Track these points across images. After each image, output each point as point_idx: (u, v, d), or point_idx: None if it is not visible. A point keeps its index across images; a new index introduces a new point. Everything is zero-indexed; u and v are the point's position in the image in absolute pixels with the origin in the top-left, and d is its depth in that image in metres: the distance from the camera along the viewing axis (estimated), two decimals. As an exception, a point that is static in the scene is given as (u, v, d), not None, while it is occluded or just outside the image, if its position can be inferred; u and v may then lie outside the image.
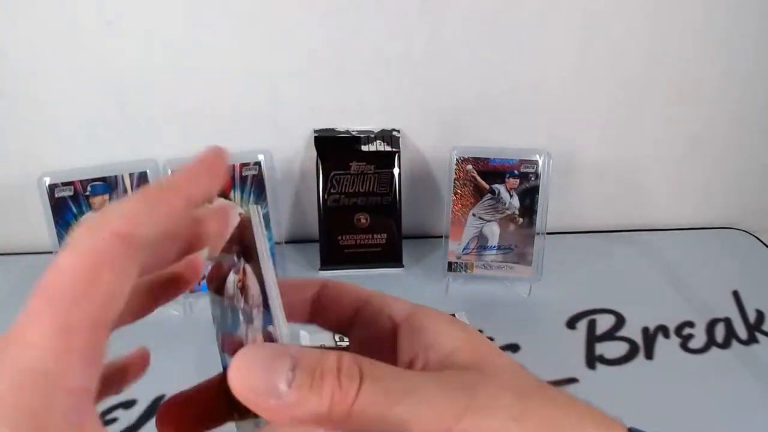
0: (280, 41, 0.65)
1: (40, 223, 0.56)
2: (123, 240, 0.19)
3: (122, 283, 0.18)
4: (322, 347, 0.23)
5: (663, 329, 0.60)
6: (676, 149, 0.76)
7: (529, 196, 0.64)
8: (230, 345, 0.26)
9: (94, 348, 0.18)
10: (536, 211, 0.65)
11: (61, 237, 0.57)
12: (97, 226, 0.19)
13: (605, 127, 0.73)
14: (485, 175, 0.64)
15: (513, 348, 0.59)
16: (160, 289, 0.27)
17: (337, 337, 0.51)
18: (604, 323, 0.61)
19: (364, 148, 0.68)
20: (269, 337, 0.22)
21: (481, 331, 0.60)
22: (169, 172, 0.60)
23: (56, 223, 0.57)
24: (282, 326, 0.21)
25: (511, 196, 0.65)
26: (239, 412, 0.24)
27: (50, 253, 0.58)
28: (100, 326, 0.18)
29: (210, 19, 0.63)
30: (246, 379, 0.19)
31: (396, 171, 0.68)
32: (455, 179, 0.64)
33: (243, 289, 0.25)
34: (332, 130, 0.69)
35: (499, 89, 0.69)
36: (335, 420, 0.20)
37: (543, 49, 0.67)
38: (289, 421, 0.20)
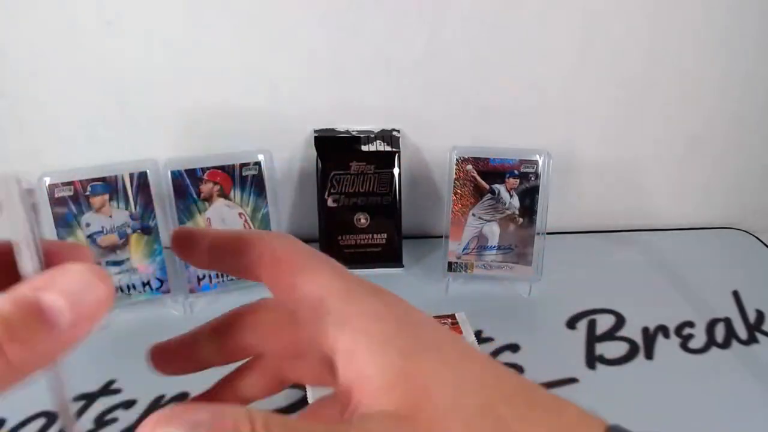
0: (280, 41, 0.65)
1: (40, 223, 0.56)
2: None
3: None
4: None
5: (663, 329, 0.60)
6: (676, 149, 0.76)
7: (529, 196, 0.64)
8: None
9: None
10: (536, 211, 0.65)
11: (61, 237, 0.57)
12: None
13: (605, 127, 0.73)
14: (485, 175, 0.65)
15: (513, 348, 0.59)
16: None
17: None
18: (604, 323, 0.61)
19: (364, 148, 0.68)
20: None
21: (480, 331, 0.60)
22: (169, 172, 0.60)
23: (56, 223, 0.57)
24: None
25: (511, 196, 0.65)
26: None
27: (50, 253, 0.58)
28: None
29: (210, 19, 0.63)
30: None
31: (396, 171, 0.68)
32: (455, 179, 0.64)
33: None
34: (332, 130, 0.69)
35: (499, 89, 0.69)
36: None
37: (543, 49, 0.67)
38: None
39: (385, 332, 0.21)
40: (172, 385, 0.52)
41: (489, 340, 0.59)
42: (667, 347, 0.59)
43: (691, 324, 0.61)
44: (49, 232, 0.57)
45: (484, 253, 0.66)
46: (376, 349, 0.21)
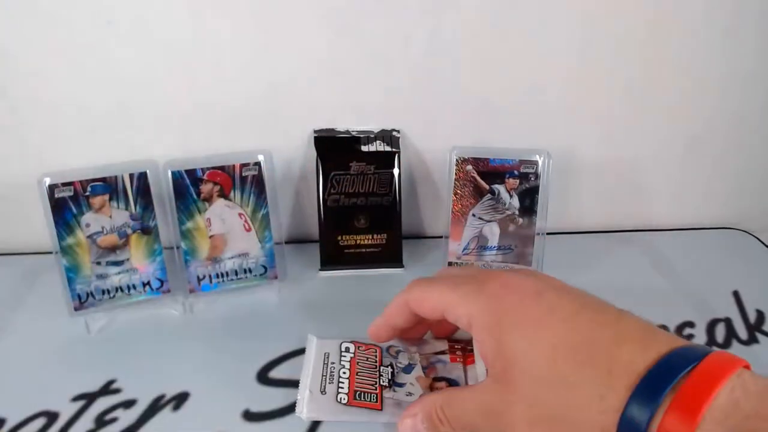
0: (280, 41, 0.65)
1: (40, 223, 0.56)
2: None
3: None
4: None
5: (663, 329, 0.60)
6: (676, 149, 0.76)
7: (529, 197, 0.64)
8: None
9: None
10: (536, 212, 0.65)
11: (61, 237, 0.57)
12: None
13: (605, 127, 0.73)
14: (485, 176, 0.65)
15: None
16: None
17: (343, 347, 0.50)
18: (604, 323, 0.61)
19: (364, 148, 0.68)
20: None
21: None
22: (169, 172, 0.60)
23: (56, 223, 0.57)
24: None
25: (511, 196, 0.65)
26: None
27: (50, 253, 0.58)
28: None
29: (210, 19, 0.63)
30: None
31: (396, 171, 0.68)
32: (455, 179, 0.65)
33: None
34: (332, 130, 0.69)
35: (499, 89, 0.69)
36: None
37: (543, 49, 0.67)
38: None
39: (490, 327, 0.36)
40: (172, 385, 0.53)
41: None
42: (667, 347, 0.59)
43: (691, 324, 0.61)
44: (50, 232, 0.57)
45: (484, 253, 0.66)
46: (488, 337, 0.37)
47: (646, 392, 0.29)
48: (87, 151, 0.67)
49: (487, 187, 0.65)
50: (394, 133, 0.69)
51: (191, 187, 0.61)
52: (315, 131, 0.69)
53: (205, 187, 0.61)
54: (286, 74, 0.67)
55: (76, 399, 0.51)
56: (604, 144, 0.74)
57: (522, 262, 0.65)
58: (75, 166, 0.58)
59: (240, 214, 0.63)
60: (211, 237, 0.62)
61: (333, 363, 0.47)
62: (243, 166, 0.62)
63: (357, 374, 0.45)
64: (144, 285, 0.61)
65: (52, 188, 0.56)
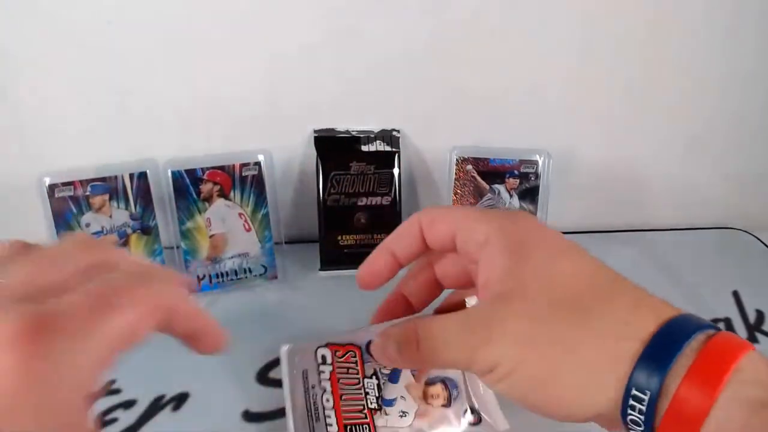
0: (280, 41, 0.65)
1: (40, 223, 0.56)
2: None
3: None
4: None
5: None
6: (676, 149, 0.76)
7: (529, 196, 0.64)
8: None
9: None
10: (536, 212, 0.65)
11: (61, 237, 0.57)
12: None
13: (605, 127, 0.73)
14: (485, 175, 0.65)
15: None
16: None
17: (319, 357, 0.43)
18: (604, 323, 0.61)
19: (364, 148, 0.68)
20: None
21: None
22: (169, 172, 0.60)
23: (56, 223, 0.57)
24: None
25: (511, 196, 0.65)
26: None
27: (50, 253, 0.58)
28: None
29: (210, 19, 0.63)
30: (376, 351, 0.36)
31: (396, 171, 0.68)
32: (455, 179, 0.65)
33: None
34: (332, 130, 0.69)
35: (499, 89, 0.69)
36: (413, 364, 0.36)
37: (543, 49, 0.67)
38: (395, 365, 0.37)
39: (508, 245, 0.31)
40: (172, 385, 0.53)
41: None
42: (667, 347, 0.59)
43: (691, 324, 0.61)
44: (49, 232, 0.57)
45: (484, 253, 0.66)
46: (490, 258, 0.31)
47: (667, 343, 0.27)
48: (87, 151, 0.67)
49: (487, 186, 0.65)
50: (394, 133, 0.69)
51: (191, 187, 0.61)
52: (315, 131, 0.69)
53: (205, 187, 0.61)
54: (286, 74, 0.67)
55: (76, 399, 0.51)
56: (604, 144, 0.74)
57: (522, 262, 0.65)
58: (75, 166, 0.58)
59: (240, 214, 0.63)
60: (211, 237, 0.62)
61: (314, 386, 0.40)
62: (243, 166, 0.62)
63: (342, 398, 0.39)
64: (144, 285, 0.61)
65: (52, 188, 0.56)
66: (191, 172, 0.60)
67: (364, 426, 0.38)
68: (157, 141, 0.69)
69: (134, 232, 0.60)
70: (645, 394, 0.26)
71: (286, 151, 0.70)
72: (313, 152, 0.67)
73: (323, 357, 0.40)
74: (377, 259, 0.40)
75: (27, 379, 0.20)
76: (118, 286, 0.24)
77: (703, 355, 0.26)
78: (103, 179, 0.58)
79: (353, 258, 0.69)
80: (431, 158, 0.73)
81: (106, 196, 0.58)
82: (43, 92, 0.65)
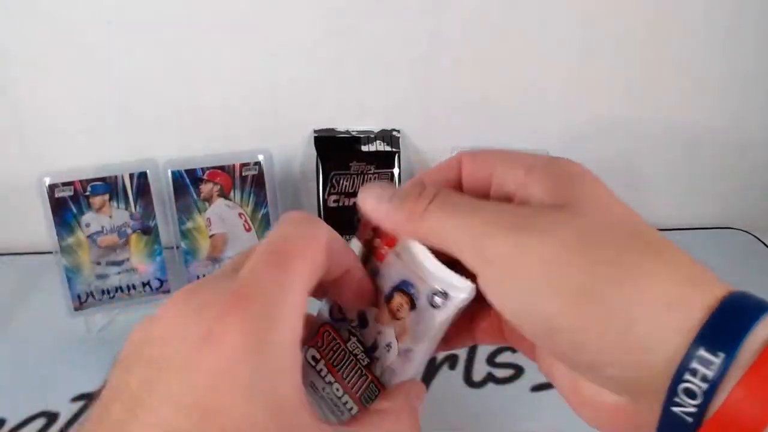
0: (280, 41, 0.65)
1: (40, 223, 0.56)
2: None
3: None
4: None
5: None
6: (676, 149, 0.76)
7: (529, 196, 0.64)
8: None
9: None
10: (536, 211, 0.65)
11: (61, 237, 0.57)
12: None
13: (605, 127, 0.73)
14: (485, 175, 0.65)
15: (513, 348, 0.58)
16: None
17: (310, 359, 0.38)
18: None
19: (364, 148, 0.68)
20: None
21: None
22: (169, 172, 0.60)
23: (56, 223, 0.57)
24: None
25: (511, 196, 0.65)
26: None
27: (50, 253, 0.58)
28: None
29: (210, 19, 0.63)
30: (366, 202, 0.30)
31: (396, 171, 0.68)
32: (455, 179, 0.65)
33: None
34: (332, 130, 0.69)
35: (499, 89, 0.69)
36: (413, 224, 0.27)
37: (543, 49, 0.67)
38: (391, 227, 0.29)
39: (555, 172, 0.27)
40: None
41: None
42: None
43: (691, 324, 0.61)
44: (49, 232, 0.57)
45: (484, 253, 0.66)
46: (547, 179, 0.26)
47: (730, 321, 0.21)
48: (87, 151, 0.67)
49: (487, 187, 0.65)
50: (394, 133, 0.69)
51: (191, 187, 0.61)
52: (315, 131, 0.69)
53: (205, 187, 0.61)
54: (286, 74, 0.67)
55: (76, 399, 0.51)
56: (604, 144, 0.74)
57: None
58: (75, 166, 0.58)
59: (240, 214, 0.63)
60: (211, 237, 0.62)
61: (324, 389, 0.37)
62: (243, 166, 0.62)
63: (344, 378, 0.37)
64: (144, 285, 0.61)
65: (52, 188, 0.56)
66: (191, 172, 0.60)
67: (371, 386, 0.36)
68: (157, 141, 0.69)
69: (134, 232, 0.60)
70: (705, 380, 0.20)
71: (286, 151, 0.70)
72: (313, 152, 0.67)
73: (314, 358, 0.37)
74: (406, 187, 0.31)
75: (247, 345, 0.21)
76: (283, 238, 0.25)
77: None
78: (103, 179, 0.58)
79: (353, 258, 0.69)
80: (431, 158, 0.73)
81: (106, 196, 0.58)
82: (43, 92, 0.65)
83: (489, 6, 0.64)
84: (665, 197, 0.79)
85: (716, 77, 0.71)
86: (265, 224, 0.64)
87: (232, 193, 0.62)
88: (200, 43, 0.64)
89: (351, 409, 0.35)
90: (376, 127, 0.70)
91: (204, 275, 0.62)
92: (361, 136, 0.69)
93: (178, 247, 0.62)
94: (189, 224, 0.61)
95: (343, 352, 0.36)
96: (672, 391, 0.21)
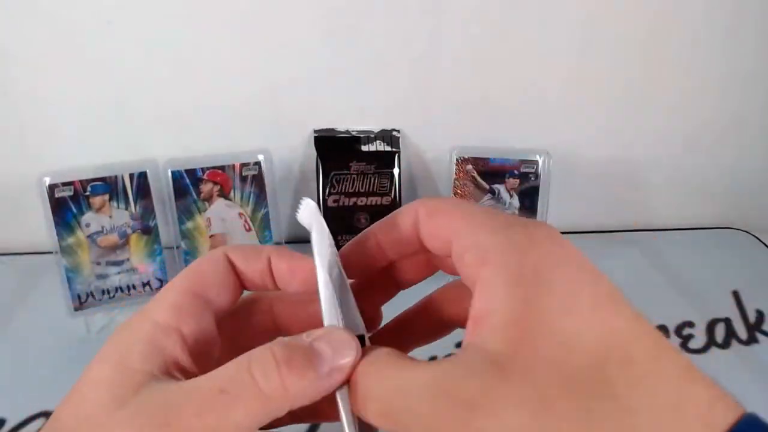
0: (280, 41, 0.65)
1: (40, 223, 0.56)
2: None
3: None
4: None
5: (663, 329, 0.60)
6: (675, 149, 0.76)
7: (529, 196, 0.64)
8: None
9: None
10: (536, 212, 0.65)
11: (61, 237, 0.57)
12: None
13: (605, 127, 0.73)
14: (485, 175, 0.65)
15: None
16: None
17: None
18: (604, 323, 0.61)
19: (364, 148, 0.68)
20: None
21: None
22: (169, 172, 0.60)
23: (56, 223, 0.57)
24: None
25: (511, 196, 0.65)
26: None
27: (50, 253, 0.58)
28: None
29: (210, 19, 0.63)
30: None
31: (396, 171, 0.68)
32: (455, 179, 0.65)
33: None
34: (332, 130, 0.69)
35: (499, 89, 0.69)
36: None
37: (543, 49, 0.67)
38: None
39: (517, 273, 0.22)
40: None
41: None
42: (667, 347, 0.58)
43: (691, 324, 0.61)
44: (50, 232, 0.57)
45: (484, 253, 0.66)
46: (504, 289, 0.22)
47: None
48: (87, 150, 0.67)
49: (487, 186, 0.65)
50: (394, 133, 0.69)
51: (191, 187, 0.61)
52: (315, 131, 0.69)
53: (205, 187, 0.61)
54: (286, 74, 0.67)
55: (76, 399, 0.51)
56: (604, 144, 0.74)
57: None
58: (75, 166, 0.58)
59: (240, 214, 0.63)
60: (211, 237, 0.62)
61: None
62: (243, 166, 0.62)
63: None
64: (144, 285, 0.61)
65: (52, 188, 0.56)
66: (191, 172, 0.60)
67: None
68: (157, 141, 0.69)
69: (134, 232, 0.60)
70: None
71: (286, 151, 0.70)
72: (313, 152, 0.67)
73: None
74: (360, 242, 0.29)
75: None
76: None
77: None
78: (103, 179, 0.58)
79: (353, 258, 0.69)
80: (431, 158, 0.73)
81: (106, 196, 0.58)
82: (43, 92, 0.65)
83: (489, 6, 0.64)
84: (665, 197, 0.79)
85: (716, 77, 0.71)
86: (265, 224, 0.64)
87: (232, 193, 0.62)
88: (200, 43, 0.64)
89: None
90: (376, 127, 0.70)
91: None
92: (361, 136, 0.69)
93: (178, 247, 0.62)
94: (189, 224, 0.61)
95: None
96: None
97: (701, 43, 0.69)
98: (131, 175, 0.59)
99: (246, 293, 0.29)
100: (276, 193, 0.64)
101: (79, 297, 0.59)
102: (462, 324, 0.24)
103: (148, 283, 0.61)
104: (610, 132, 0.74)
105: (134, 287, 0.61)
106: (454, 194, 0.65)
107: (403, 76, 0.68)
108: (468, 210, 0.26)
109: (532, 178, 0.64)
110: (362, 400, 0.22)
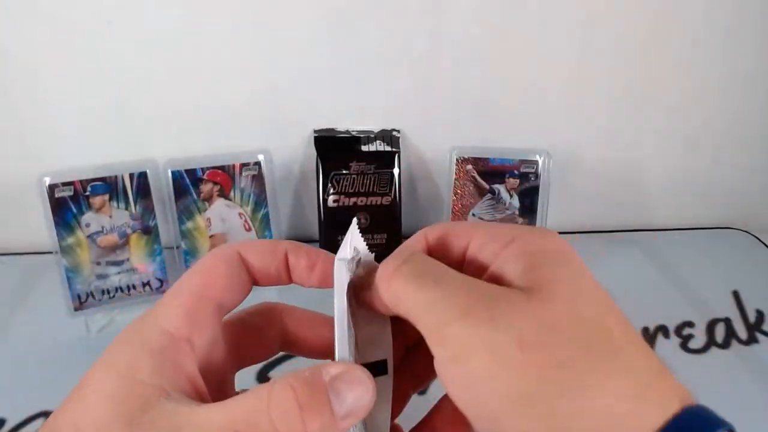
0: (280, 41, 0.65)
1: (39, 223, 0.56)
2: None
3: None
4: None
5: (663, 329, 0.60)
6: (675, 149, 0.76)
7: (529, 196, 0.64)
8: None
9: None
10: (536, 211, 0.65)
11: (61, 237, 0.57)
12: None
13: (605, 127, 0.73)
14: (485, 175, 0.65)
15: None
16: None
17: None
18: (604, 323, 0.61)
19: (364, 148, 0.68)
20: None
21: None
22: (169, 172, 0.60)
23: (56, 223, 0.57)
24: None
25: (511, 196, 0.65)
26: None
27: (50, 253, 0.58)
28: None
29: (210, 19, 0.63)
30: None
31: (396, 171, 0.68)
32: (455, 179, 0.65)
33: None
34: (332, 130, 0.69)
35: (499, 89, 0.69)
36: (383, 284, 0.26)
37: (543, 49, 0.67)
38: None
39: (530, 249, 0.25)
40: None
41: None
42: (667, 347, 0.59)
43: (691, 324, 0.61)
44: (49, 232, 0.57)
45: (484, 253, 0.66)
46: (523, 257, 0.25)
47: None
48: (87, 150, 0.67)
49: (487, 186, 0.65)
50: (394, 133, 0.69)
51: (191, 187, 0.61)
52: (315, 131, 0.69)
53: (205, 187, 0.61)
54: (286, 74, 0.67)
55: (76, 399, 0.51)
56: (604, 144, 0.74)
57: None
58: (75, 166, 0.58)
59: (240, 214, 0.63)
60: (211, 237, 0.62)
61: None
62: (243, 166, 0.62)
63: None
64: (144, 285, 0.61)
65: (52, 188, 0.56)
66: (191, 172, 0.60)
67: None
68: (157, 141, 0.69)
69: (134, 232, 0.60)
70: None
71: (286, 151, 0.70)
72: (313, 152, 0.67)
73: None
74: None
75: None
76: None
77: None
78: (103, 179, 0.58)
79: (353, 258, 0.69)
80: (431, 158, 0.73)
81: (106, 196, 0.58)
82: (43, 92, 0.65)
83: (489, 6, 0.64)
84: (665, 197, 0.79)
85: (716, 77, 0.71)
86: (265, 224, 0.64)
87: (232, 193, 0.62)
88: (200, 43, 0.64)
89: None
90: (376, 127, 0.70)
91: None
92: (361, 136, 0.69)
93: (178, 247, 0.62)
94: (189, 224, 0.61)
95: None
96: None
97: (701, 43, 0.69)
98: (131, 175, 0.59)
99: (251, 291, 0.28)
100: (276, 193, 0.64)
101: (79, 297, 0.59)
102: None
103: (148, 283, 0.62)
104: (610, 132, 0.74)
105: (134, 287, 0.61)
106: (454, 194, 0.65)
107: (403, 76, 0.68)
108: (479, 224, 0.28)
109: (532, 178, 0.64)
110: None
